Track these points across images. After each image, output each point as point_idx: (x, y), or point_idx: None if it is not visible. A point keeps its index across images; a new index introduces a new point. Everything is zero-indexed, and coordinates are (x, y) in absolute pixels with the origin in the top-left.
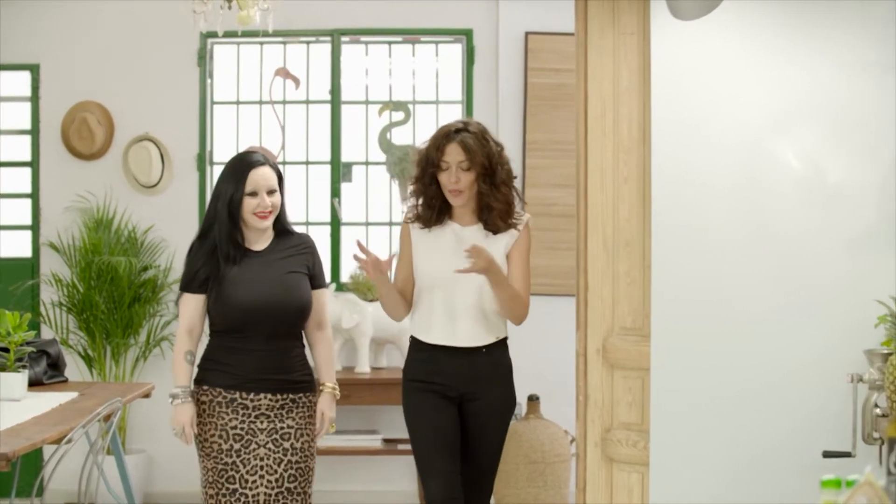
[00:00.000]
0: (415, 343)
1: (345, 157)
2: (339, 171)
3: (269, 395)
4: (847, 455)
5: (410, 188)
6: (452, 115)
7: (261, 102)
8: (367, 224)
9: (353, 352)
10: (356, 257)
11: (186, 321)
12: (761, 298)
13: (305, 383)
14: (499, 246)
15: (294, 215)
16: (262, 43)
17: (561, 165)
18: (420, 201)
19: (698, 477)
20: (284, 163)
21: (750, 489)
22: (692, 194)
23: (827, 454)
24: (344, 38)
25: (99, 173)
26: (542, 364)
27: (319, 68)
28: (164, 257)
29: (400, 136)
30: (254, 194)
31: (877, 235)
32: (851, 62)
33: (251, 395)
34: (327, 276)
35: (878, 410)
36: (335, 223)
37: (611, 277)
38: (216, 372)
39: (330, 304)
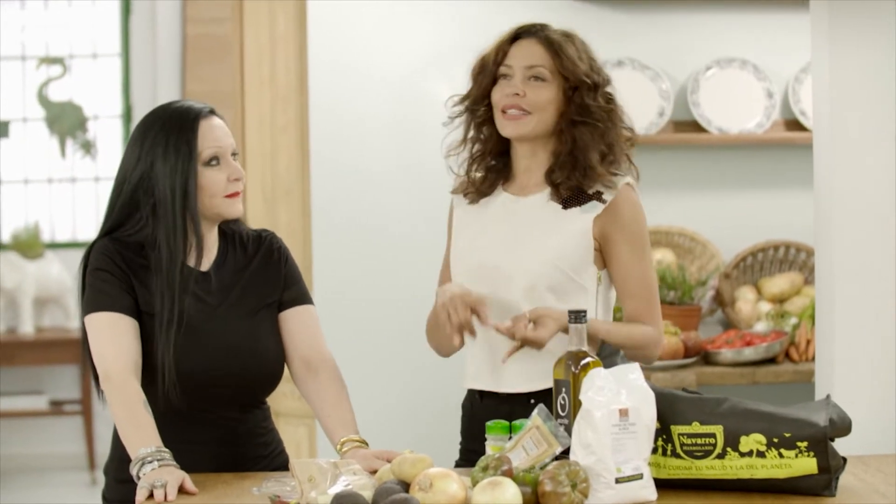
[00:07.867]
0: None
1: (2, 114)
2: None
3: None
4: None
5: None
6: (111, 68)
7: None
8: (26, 182)
9: (16, 312)
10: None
11: (121, 354)
12: (417, 230)
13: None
14: (574, 230)
15: None
16: None
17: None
18: (471, 151)
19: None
20: None
21: (407, 430)
22: (351, 137)
23: None
24: None
25: None
26: None
27: None
28: None
29: (57, 92)
30: (213, 162)
31: None
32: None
33: None
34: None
35: None
36: None
37: (272, 227)
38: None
39: None
